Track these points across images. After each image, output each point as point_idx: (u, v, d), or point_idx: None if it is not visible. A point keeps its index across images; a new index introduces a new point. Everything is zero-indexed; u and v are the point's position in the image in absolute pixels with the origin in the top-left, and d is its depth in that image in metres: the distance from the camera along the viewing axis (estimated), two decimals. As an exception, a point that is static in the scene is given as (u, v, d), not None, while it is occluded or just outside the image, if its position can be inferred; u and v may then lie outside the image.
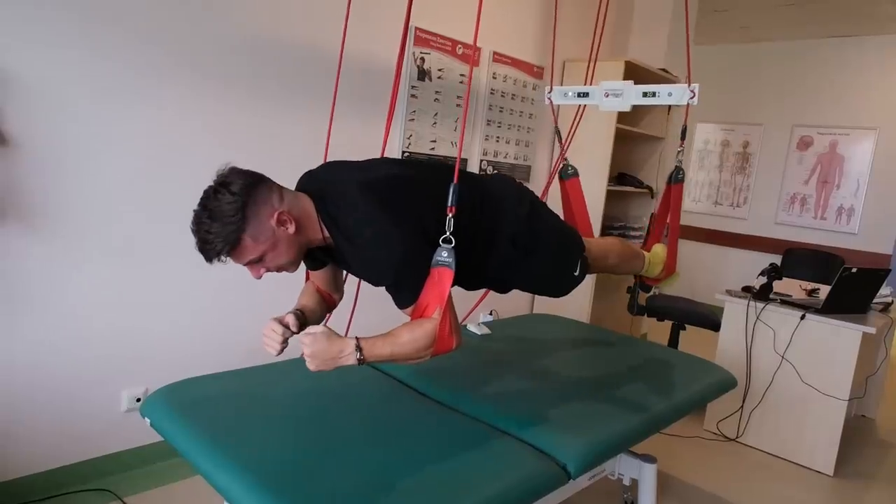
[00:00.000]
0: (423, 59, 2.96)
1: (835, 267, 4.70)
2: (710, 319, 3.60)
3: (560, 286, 1.82)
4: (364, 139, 2.75)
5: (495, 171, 3.56)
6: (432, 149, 3.12)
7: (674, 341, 3.72)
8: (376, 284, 1.43)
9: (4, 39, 1.81)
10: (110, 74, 2.04)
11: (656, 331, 4.51)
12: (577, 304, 3.80)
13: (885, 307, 3.08)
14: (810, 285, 3.46)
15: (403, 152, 3.02)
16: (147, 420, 1.52)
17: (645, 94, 2.18)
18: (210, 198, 1.24)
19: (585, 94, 2.34)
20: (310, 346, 1.24)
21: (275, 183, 1.33)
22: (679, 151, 2.14)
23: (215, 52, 2.27)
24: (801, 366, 2.86)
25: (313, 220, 1.36)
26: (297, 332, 1.42)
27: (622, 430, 1.66)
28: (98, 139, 2.04)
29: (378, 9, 2.74)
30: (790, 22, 5.07)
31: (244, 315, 2.49)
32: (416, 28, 2.90)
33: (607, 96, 2.26)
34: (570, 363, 2.18)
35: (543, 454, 1.47)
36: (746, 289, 3.16)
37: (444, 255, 1.33)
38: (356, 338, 1.29)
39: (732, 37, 5.73)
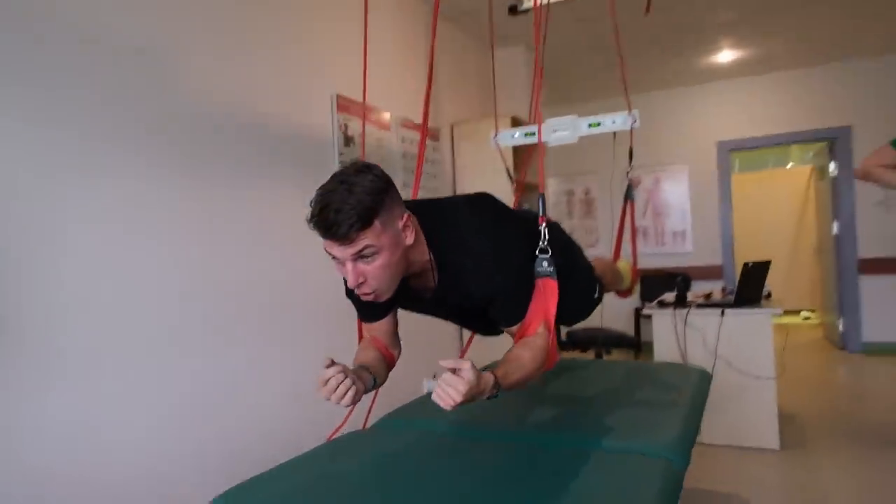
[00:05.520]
0: (346, 126, 2.94)
1: (684, 283, 5.36)
2: (628, 340, 3.90)
3: (586, 310, 1.90)
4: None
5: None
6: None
7: (604, 366, 3.94)
8: (486, 304, 1.34)
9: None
10: (59, 146, 1.73)
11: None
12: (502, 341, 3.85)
13: (768, 295, 3.61)
14: (702, 292, 3.93)
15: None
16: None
17: (591, 125, 2.41)
18: (351, 175, 1.13)
19: (532, 134, 2.51)
20: (465, 380, 1.06)
21: None
22: (628, 171, 2.43)
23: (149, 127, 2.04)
24: (732, 357, 3.20)
25: (421, 239, 1.26)
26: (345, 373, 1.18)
27: (687, 425, 1.71)
28: (49, 223, 1.69)
29: (305, 77, 2.70)
30: (606, 85, 5.94)
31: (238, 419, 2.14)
32: (338, 95, 2.88)
33: (555, 132, 2.45)
34: (577, 386, 2.19)
35: (649, 458, 1.45)
36: (662, 303, 3.50)
37: (544, 265, 1.33)
38: (493, 373, 1.17)
39: (573, 97, 6.50)
